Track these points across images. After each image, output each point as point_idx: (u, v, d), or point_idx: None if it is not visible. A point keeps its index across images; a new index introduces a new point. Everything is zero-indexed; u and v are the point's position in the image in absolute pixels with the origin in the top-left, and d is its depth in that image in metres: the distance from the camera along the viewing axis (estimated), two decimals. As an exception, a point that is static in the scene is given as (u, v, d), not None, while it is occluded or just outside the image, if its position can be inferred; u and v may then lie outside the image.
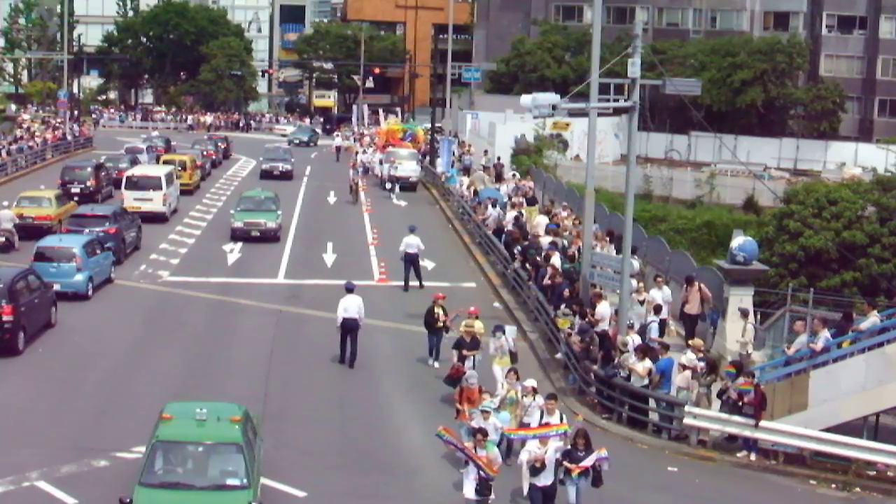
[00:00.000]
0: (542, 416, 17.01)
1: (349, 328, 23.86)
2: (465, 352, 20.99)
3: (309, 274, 32.83)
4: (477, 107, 74.74)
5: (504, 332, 21.53)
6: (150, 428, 15.87)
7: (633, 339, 21.86)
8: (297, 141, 79.91)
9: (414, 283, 31.64)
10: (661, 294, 24.80)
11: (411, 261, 31.46)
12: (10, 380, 22.23)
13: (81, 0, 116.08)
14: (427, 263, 32.45)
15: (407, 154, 55.18)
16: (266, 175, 54.56)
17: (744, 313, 23.49)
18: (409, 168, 52.72)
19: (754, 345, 23.54)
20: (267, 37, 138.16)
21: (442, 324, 23.46)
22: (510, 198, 39.50)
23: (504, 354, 21.39)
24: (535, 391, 18.02)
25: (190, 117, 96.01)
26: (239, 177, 57.49)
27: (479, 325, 22.04)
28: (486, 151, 55.90)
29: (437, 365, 23.36)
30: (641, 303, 24.57)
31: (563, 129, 59.50)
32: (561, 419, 16.69)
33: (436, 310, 23.62)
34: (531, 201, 38.82)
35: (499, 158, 53.90)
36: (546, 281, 26.81)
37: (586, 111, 24.89)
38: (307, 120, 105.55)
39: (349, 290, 24.33)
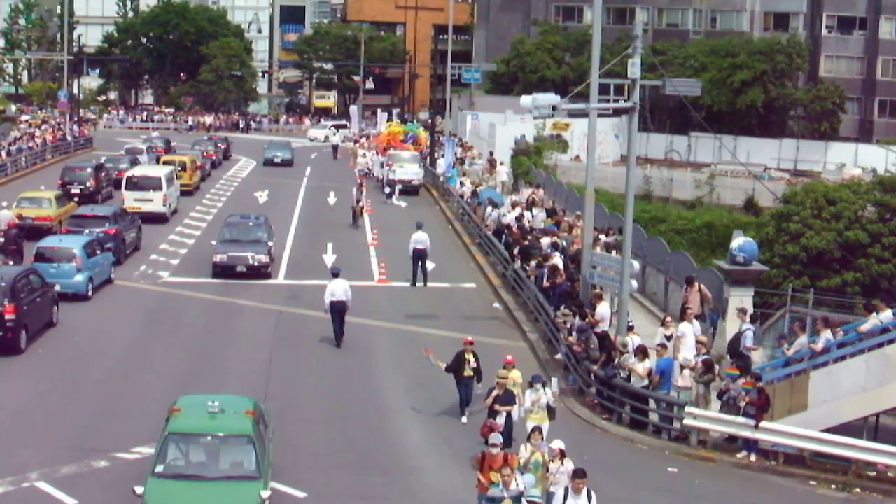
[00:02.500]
0: (566, 497, 14.27)
1: (337, 310, 25.21)
2: (496, 407, 18.47)
3: (309, 274, 32.80)
4: (477, 107, 74.75)
5: (543, 385, 18.69)
6: (151, 427, 16.50)
7: (633, 340, 21.86)
8: (279, 160, 63.00)
9: (418, 282, 32.00)
10: (692, 328, 22.39)
11: (419, 257, 31.75)
12: (11, 379, 22.23)
13: (81, 1, 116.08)
14: (427, 264, 32.49)
15: (409, 157, 54.29)
16: (224, 272, 31.78)
17: (742, 312, 23.52)
18: (411, 171, 51.67)
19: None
20: (267, 37, 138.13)
21: (472, 371, 20.37)
22: (520, 206, 38.20)
23: (541, 410, 18.47)
24: (563, 455, 15.48)
25: (190, 118, 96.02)
26: (239, 177, 57.47)
27: (515, 375, 19.30)
28: (491, 153, 55.64)
29: (465, 420, 20.34)
30: (669, 338, 22.13)
31: (563, 130, 59.59)
32: (589, 498, 14.33)
33: (465, 356, 20.40)
34: (551, 212, 36.42)
35: (491, 153, 54.35)
36: (545, 283, 26.80)
37: (586, 112, 24.90)
38: (306, 120, 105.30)
39: (335, 274, 25.87)
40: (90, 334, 25.74)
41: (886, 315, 21.05)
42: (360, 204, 42.03)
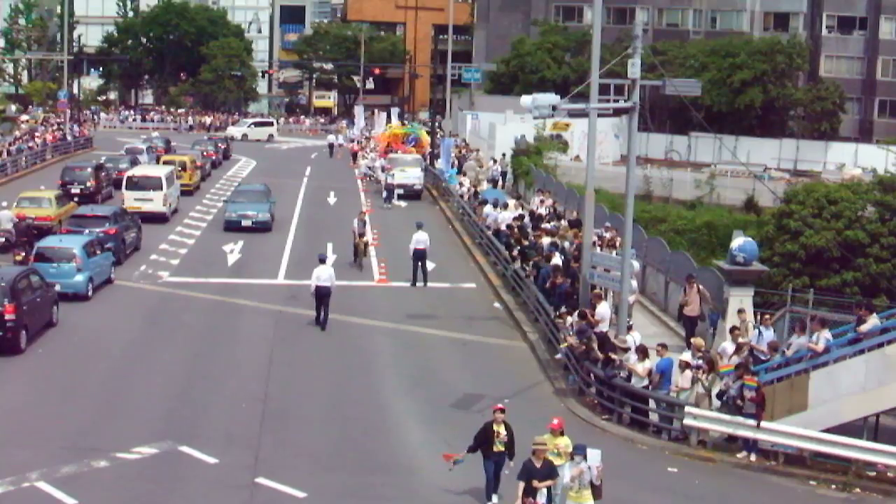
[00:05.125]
0: None
1: (322, 294, 26.67)
2: (535, 482, 15.14)
3: (309, 274, 32.66)
4: (477, 107, 74.77)
5: (585, 457, 15.32)
6: (151, 427, 17.82)
7: (633, 339, 21.86)
8: (249, 223, 39.64)
9: (418, 282, 32.09)
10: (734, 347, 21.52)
11: (419, 257, 31.77)
12: (11, 379, 22.24)
13: (81, 1, 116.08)
14: (427, 264, 32.50)
15: (411, 160, 53.15)
16: None
17: (741, 313, 23.55)
18: (413, 175, 50.29)
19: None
20: (267, 37, 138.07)
21: (503, 446, 16.36)
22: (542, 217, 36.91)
23: (583, 488, 15.16)
24: None
25: (191, 118, 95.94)
26: (239, 177, 57.43)
27: (563, 443, 16.04)
28: (504, 155, 55.14)
29: (495, 500, 16.60)
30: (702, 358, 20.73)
31: (563, 130, 59.50)
32: None
33: (495, 427, 16.43)
34: (574, 223, 34.19)
35: (503, 155, 54.40)
36: (546, 284, 26.78)
37: (586, 112, 24.88)
38: (307, 121, 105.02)
39: (322, 260, 27.59)
40: (90, 334, 25.74)
41: (873, 322, 21.02)
42: (365, 239, 35.01)
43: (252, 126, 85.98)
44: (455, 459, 16.55)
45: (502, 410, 16.49)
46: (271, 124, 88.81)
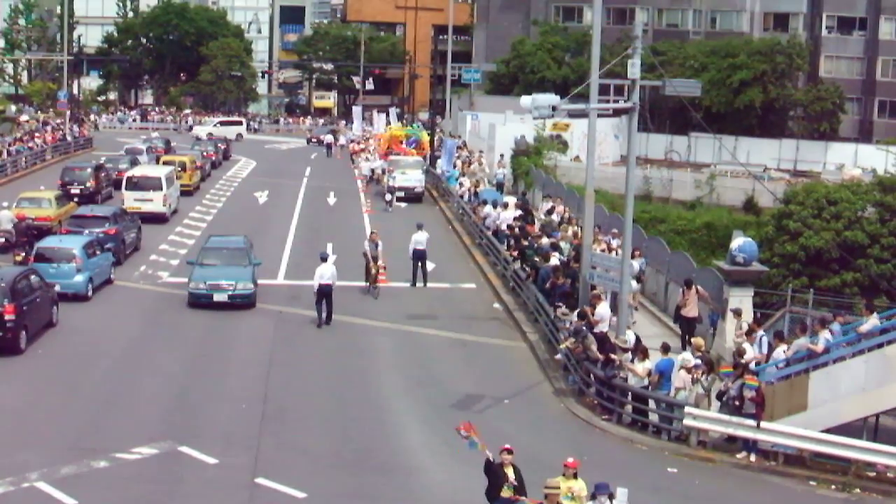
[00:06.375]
0: None
1: (324, 292, 26.98)
2: None
3: (309, 275, 32.63)
4: (477, 108, 74.70)
5: (610, 497, 14.11)
6: (151, 427, 18.00)
7: (630, 336, 21.86)
8: (226, 297, 28.13)
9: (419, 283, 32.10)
10: (753, 350, 21.28)
11: (419, 257, 31.79)
12: (11, 380, 22.24)
13: (81, 1, 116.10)
14: (427, 264, 32.51)
15: (413, 162, 52.88)
16: None
17: (736, 313, 23.57)
18: (413, 178, 49.90)
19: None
20: (267, 38, 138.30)
21: (513, 491, 14.48)
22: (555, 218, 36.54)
23: None
24: None
25: (190, 119, 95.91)
26: (239, 178, 57.44)
27: (578, 486, 14.60)
28: (502, 156, 55.10)
29: None
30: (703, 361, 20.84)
31: (563, 130, 59.47)
32: None
33: (504, 469, 14.62)
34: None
35: (480, 152, 55.35)
36: (546, 285, 26.76)
37: (586, 112, 24.88)
38: (307, 120, 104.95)
39: (324, 259, 27.88)
40: (90, 334, 25.74)
41: (872, 322, 21.02)
42: (380, 263, 30.81)
43: (218, 125, 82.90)
44: (470, 439, 14.64)
45: (510, 451, 14.62)
46: (240, 123, 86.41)
